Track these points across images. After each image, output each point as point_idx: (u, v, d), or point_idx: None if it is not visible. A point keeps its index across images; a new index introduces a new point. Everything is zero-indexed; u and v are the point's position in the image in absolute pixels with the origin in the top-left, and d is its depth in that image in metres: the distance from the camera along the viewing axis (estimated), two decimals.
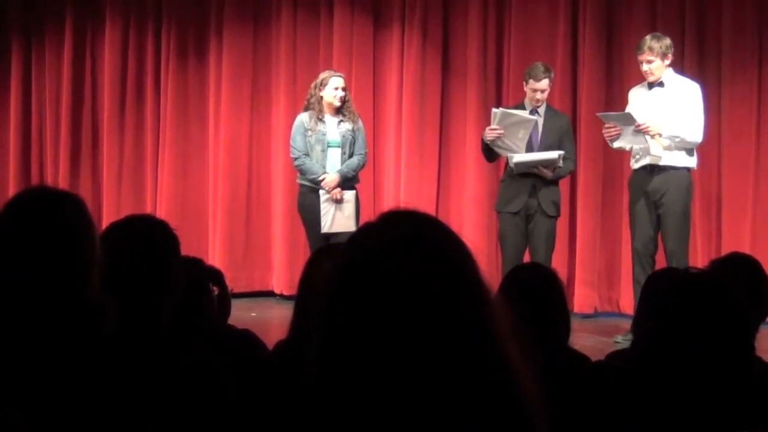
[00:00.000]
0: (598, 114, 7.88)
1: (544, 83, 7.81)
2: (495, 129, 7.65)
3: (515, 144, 7.65)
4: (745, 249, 7.82)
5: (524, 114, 7.72)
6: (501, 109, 7.84)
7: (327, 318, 1.35)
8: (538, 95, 7.83)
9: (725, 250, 7.88)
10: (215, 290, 3.61)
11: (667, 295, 2.74)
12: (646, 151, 7.63)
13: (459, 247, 1.41)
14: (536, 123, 7.84)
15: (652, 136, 7.55)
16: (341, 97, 7.79)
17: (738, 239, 8.69)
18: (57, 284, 2.32)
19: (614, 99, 9.08)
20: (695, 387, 2.58)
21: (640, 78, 8.75)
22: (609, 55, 9.17)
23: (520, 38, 9.35)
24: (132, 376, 2.38)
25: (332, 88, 7.76)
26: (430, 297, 1.32)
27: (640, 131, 7.55)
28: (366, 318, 1.31)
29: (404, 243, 1.37)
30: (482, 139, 7.90)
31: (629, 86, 8.91)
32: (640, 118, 7.54)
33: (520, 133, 7.63)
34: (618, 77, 9.16)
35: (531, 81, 7.82)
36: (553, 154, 7.66)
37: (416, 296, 1.32)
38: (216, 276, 3.67)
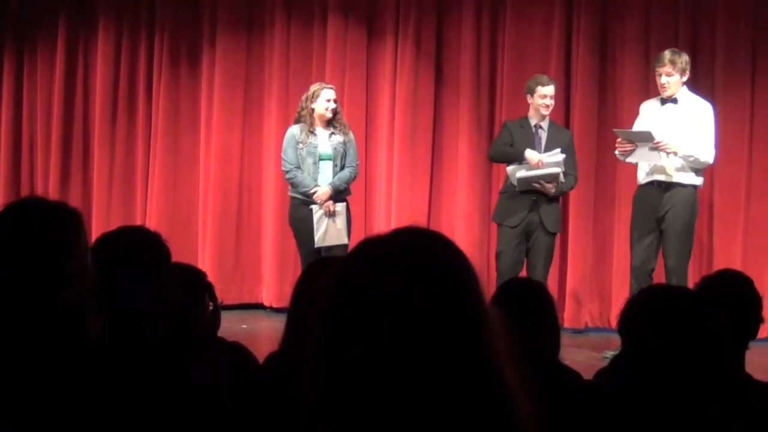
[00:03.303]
0: (615, 130, 7.81)
1: (552, 89, 7.84)
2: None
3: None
4: (737, 265, 7.82)
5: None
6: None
7: (325, 329, 1.34)
8: (547, 101, 7.82)
9: (717, 267, 7.88)
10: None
11: (639, 312, 2.78)
12: (659, 168, 7.60)
13: (464, 266, 1.40)
14: (540, 137, 7.86)
15: (668, 154, 7.53)
16: (332, 110, 7.78)
17: (729, 256, 8.70)
18: (38, 294, 2.31)
19: (607, 113, 9.09)
20: (673, 404, 2.59)
21: (633, 92, 8.80)
22: (602, 69, 9.18)
23: (513, 51, 9.35)
24: (120, 387, 2.36)
25: (324, 100, 7.75)
26: (429, 312, 1.31)
27: (656, 148, 7.50)
28: (364, 330, 1.30)
29: (407, 256, 1.36)
30: (495, 151, 7.92)
31: (622, 100, 8.97)
32: (657, 136, 7.47)
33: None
34: (611, 91, 9.16)
35: (538, 88, 7.81)
36: (555, 169, 7.66)
37: (415, 310, 1.31)
38: (207, 288, 3.65)
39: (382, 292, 1.32)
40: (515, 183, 7.72)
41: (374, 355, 1.29)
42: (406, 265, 1.35)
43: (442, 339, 1.31)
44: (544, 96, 7.82)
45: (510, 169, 7.79)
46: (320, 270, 3.16)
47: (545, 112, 7.86)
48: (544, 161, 7.65)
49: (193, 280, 3.41)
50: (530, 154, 7.68)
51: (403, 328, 1.30)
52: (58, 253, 2.37)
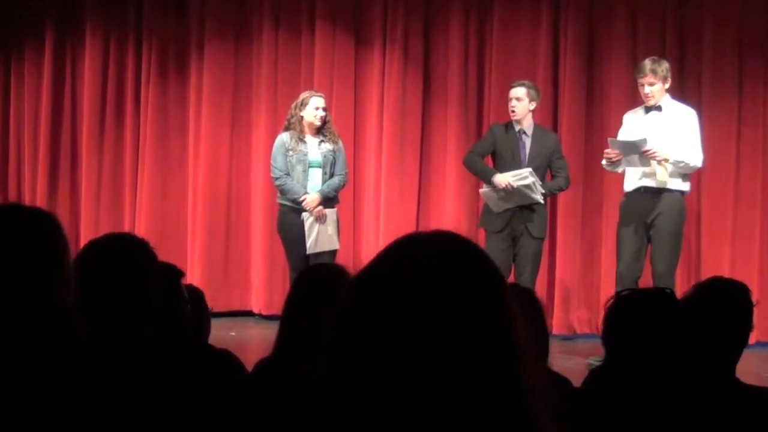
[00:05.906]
0: (609, 139, 7.76)
1: (518, 91, 7.81)
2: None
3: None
4: (725, 272, 7.82)
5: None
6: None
7: (341, 342, 1.30)
8: (513, 103, 7.82)
9: (705, 274, 7.89)
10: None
11: (618, 321, 2.79)
12: (650, 173, 7.58)
13: (490, 275, 1.37)
14: (525, 143, 7.85)
15: (659, 162, 7.52)
16: (322, 117, 7.78)
17: (718, 262, 8.69)
18: (27, 298, 2.29)
19: (595, 119, 9.09)
20: (661, 409, 2.60)
21: (620, 98, 8.79)
22: (590, 76, 9.19)
23: (501, 58, 9.36)
24: (107, 393, 2.35)
25: (313, 108, 7.76)
26: (450, 326, 1.27)
27: (647, 157, 7.47)
28: (382, 341, 1.26)
29: (428, 266, 1.32)
30: (470, 161, 7.91)
31: (610, 107, 8.96)
32: (648, 144, 7.43)
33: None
34: (599, 98, 9.18)
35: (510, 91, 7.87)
36: (527, 180, 7.62)
37: (435, 321, 1.27)
38: (197, 295, 3.64)
39: (397, 304, 1.28)
40: (491, 206, 7.75)
41: (394, 359, 1.25)
42: (423, 275, 1.31)
43: (465, 338, 1.28)
44: (509, 99, 7.85)
45: (482, 191, 7.84)
46: (312, 276, 3.15)
47: (512, 117, 7.86)
48: (513, 184, 7.64)
49: (168, 276, 3.35)
50: (499, 179, 7.67)
51: (416, 340, 1.26)
52: (46, 256, 2.36)
